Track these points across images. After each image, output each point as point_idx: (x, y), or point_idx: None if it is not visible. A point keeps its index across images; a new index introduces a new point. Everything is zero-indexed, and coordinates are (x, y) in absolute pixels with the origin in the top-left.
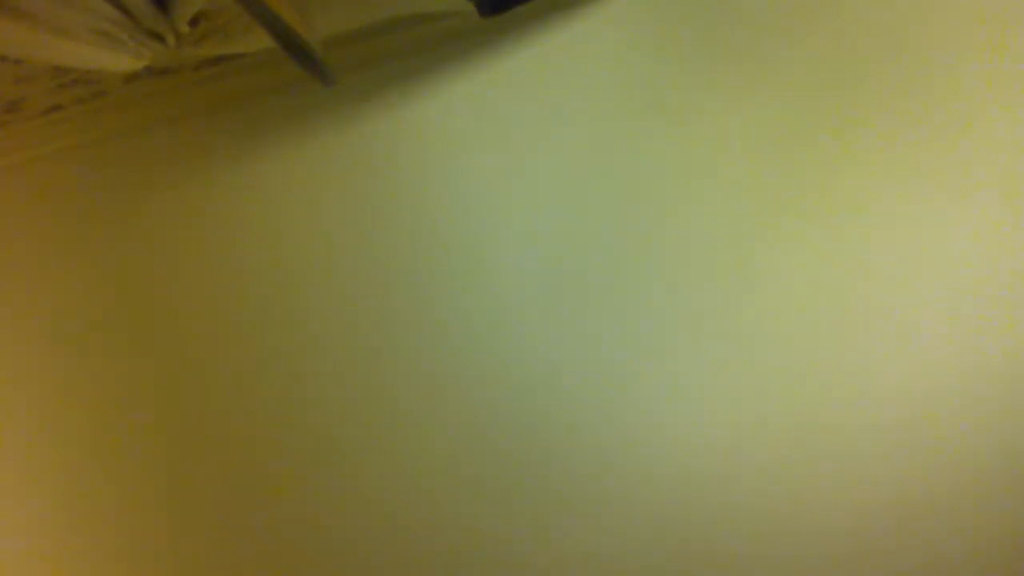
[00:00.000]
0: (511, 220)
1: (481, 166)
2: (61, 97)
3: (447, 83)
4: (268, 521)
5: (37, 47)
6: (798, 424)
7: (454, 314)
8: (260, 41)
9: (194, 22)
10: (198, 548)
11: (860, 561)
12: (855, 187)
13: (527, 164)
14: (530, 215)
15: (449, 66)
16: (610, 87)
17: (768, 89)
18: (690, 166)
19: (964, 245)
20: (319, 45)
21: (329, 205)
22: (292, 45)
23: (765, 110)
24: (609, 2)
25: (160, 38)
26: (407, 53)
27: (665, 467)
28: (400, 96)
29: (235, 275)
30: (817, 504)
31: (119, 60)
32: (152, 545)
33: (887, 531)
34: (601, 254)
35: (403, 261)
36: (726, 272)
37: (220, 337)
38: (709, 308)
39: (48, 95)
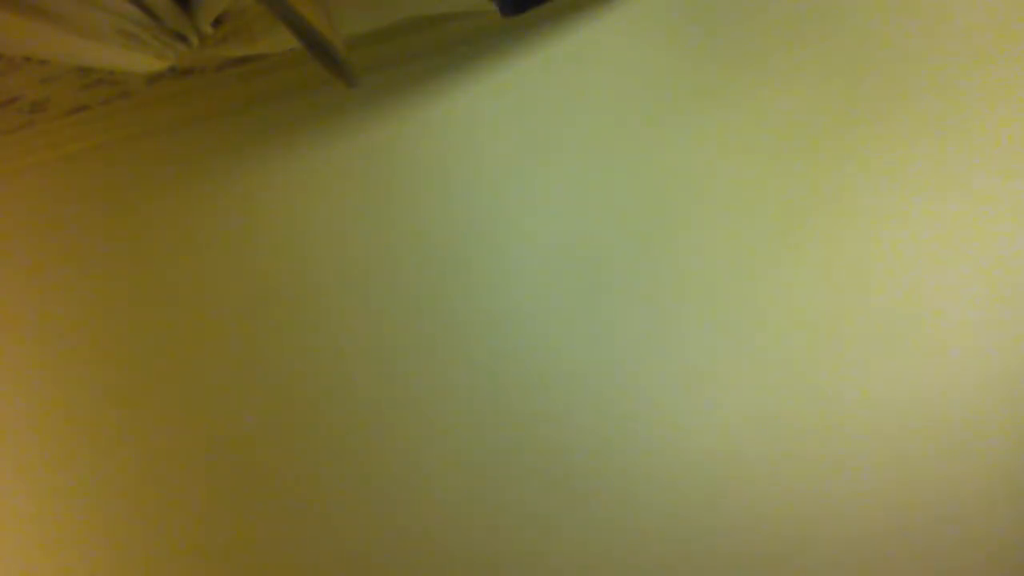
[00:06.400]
0: (531, 218)
1: (503, 164)
2: (86, 97)
3: (468, 82)
4: (277, 518)
5: (62, 48)
6: (814, 425)
7: (473, 312)
8: (283, 42)
9: (217, 23)
10: (205, 547)
11: (879, 565)
12: (878, 186)
13: (548, 162)
14: (550, 212)
15: (470, 65)
16: (632, 87)
17: (788, 90)
18: (708, 164)
19: (986, 248)
20: (342, 45)
21: (351, 203)
22: (315, 45)
23: (784, 109)
24: (628, 3)
25: (183, 39)
26: (429, 53)
27: (679, 466)
28: (422, 95)
29: (257, 272)
30: (834, 507)
31: (143, 61)
32: (159, 545)
33: (907, 536)
34: (620, 251)
35: (423, 257)
36: (744, 271)
37: (239, 333)
38: (727, 308)
39: (73, 95)
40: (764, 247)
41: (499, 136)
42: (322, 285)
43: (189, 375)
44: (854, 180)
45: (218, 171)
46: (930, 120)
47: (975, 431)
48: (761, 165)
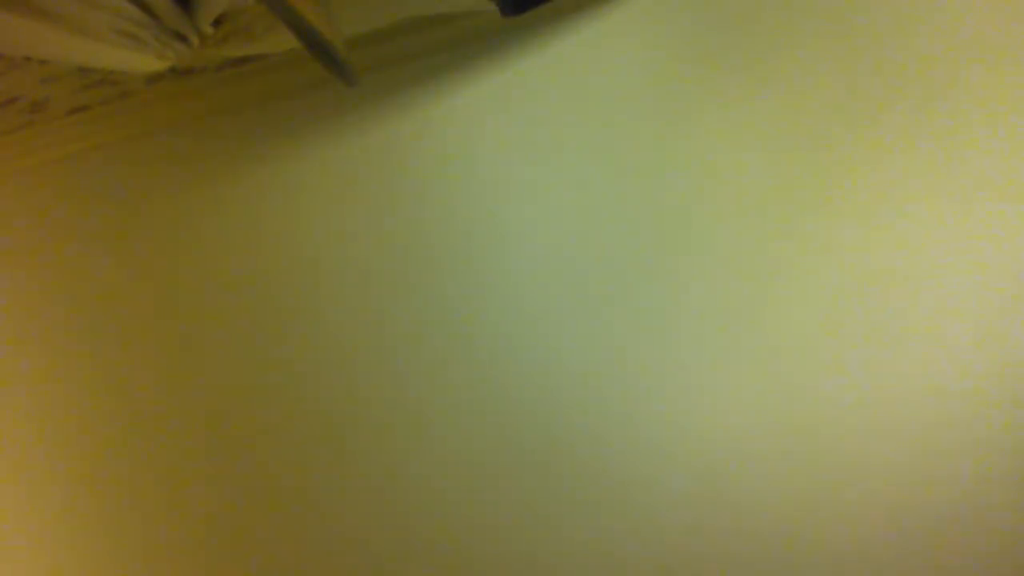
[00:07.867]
0: (533, 218)
1: (504, 166)
2: (86, 97)
3: (469, 83)
4: (277, 518)
5: (62, 48)
6: (821, 425)
7: (474, 314)
8: (283, 41)
9: (217, 22)
10: (205, 545)
11: (879, 565)
12: (880, 186)
13: (549, 162)
14: (551, 212)
15: (471, 66)
16: (633, 87)
17: (792, 89)
18: (713, 166)
19: (991, 244)
20: (342, 45)
21: (351, 204)
22: (315, 45)
23: (789, 110)
24: (629, 3)
25: (184, 39)
26: (429, 53)
27: (680, 468)
28: (422, 96)
29: (256, 275)
30: (839, 507)
31: (143, 61)
32: (159, 544)
33: (915, 535)
34: (624, 254)
35: (424, 257)
36: (749, 273)
37: (240, 335)
38: (732, 310)
39: (73, 95)
40: (766, 247)
41: (500, 136)
42: (322, 285)
43: (189, 375)
44: (858, 181)
45: (218, 171)
46: (936, 121)
47: (976, 431)
48: (764, 166)
